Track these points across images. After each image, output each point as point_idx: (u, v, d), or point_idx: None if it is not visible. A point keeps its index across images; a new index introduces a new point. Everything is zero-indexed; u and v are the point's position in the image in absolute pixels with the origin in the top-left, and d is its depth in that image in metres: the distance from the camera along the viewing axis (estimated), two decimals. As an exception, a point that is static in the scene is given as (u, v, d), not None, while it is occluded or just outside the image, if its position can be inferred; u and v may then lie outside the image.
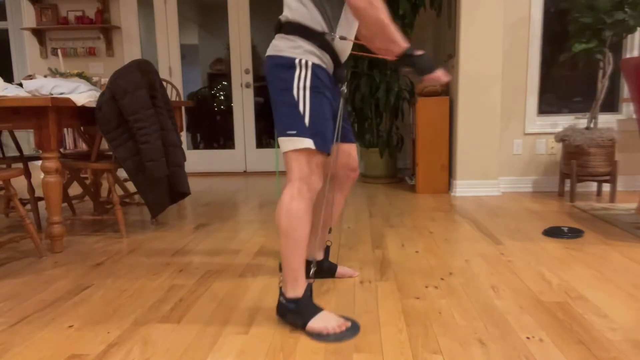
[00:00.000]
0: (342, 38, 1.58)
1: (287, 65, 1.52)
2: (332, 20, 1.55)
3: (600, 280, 1.94)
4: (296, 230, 1.51)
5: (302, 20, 1.52)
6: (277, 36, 1.57)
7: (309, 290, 1.56)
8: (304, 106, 1.51)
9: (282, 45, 1.54)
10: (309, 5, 1.52)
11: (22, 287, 2.00)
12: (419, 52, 1.53)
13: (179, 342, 1.49)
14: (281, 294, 1.58)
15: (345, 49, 1.64)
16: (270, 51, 1.57)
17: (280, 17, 1.59)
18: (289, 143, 1.52)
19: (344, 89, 1.70)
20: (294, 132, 1.50)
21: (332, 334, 1.50)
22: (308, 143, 1.50)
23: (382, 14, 1.46)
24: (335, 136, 1.71)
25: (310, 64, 1.52)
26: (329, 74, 1.59)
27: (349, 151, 1.88)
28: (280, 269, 1.59)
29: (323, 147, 1.53)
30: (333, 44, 1.57)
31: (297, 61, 1.51)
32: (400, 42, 1.51)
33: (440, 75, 1.54)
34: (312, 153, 1.52)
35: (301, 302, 1.55)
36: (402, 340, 1.47)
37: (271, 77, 1.55)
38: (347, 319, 1.58)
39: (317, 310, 1.55)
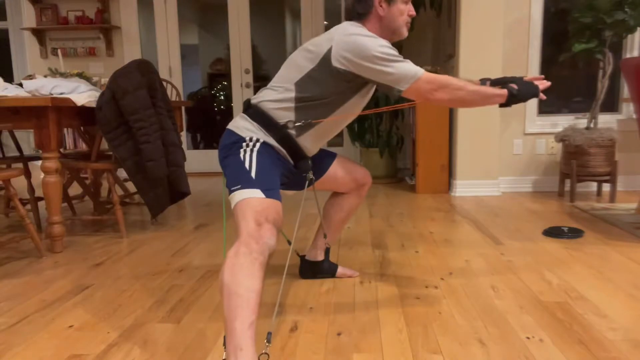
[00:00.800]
0: (309, 125, 1.58)
1: (240, 140, 1.54)
2: (322, 113, 1.57)
3: (600, 280, 1.94)
4: (240, 285, 1.19)
5: (269, 112, 1.55)
6: (242, 115, 1.61)
7: None
8: (250, 163, 1.48)
9: (241, 125, 1.57)
10: (288, 104, 1.54)
11: (22, 287, 2.00)
12: (515, 86, 1.55)
13: (179, 342, 1.49)
14: None
15: (312, 147, 1.66)
16: (229, 125, 1.61)
17: (251, 98, 1.62)
18: (235, 196, 1.42)
19: (311, 175, 1.70)
20: (239, 185, 1.43)
21: None
22: (254, 192, 1.40)
23: (469, 86, 1.51)
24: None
25: (261, 140, 1.54)
26: (279, 156, 1.59)
27: (346, 170, 1.86)
28: (225, 344, 1.18)
29: (272, 195, 1.42)
30: (297, 139, 1.59)
31: (247, 138, 1.54)
32: (499, 93, 1.54)
33: (545, 87, 1.59)
34: (259, 204, 1.37)
35: None
36: (402, 340, 1.47)
37: (222, 145, 1.57)
38: None
39: None
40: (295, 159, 1.63)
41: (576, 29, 3.43)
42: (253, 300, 1.19)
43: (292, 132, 1.57)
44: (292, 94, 1.54)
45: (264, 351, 1.21)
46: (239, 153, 1.51)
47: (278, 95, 1.56)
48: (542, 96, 1.59)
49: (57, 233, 2.47)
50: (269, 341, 1.24)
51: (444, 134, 3.90)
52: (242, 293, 1.18)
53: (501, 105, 1.58)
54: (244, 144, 1.53)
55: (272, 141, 1.56)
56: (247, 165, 1.47)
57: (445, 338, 1.48)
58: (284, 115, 1.55)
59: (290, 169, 1.64)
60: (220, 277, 1.23)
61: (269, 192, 1.41)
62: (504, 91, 1.54)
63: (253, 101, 1.59)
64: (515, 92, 1.54)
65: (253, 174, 1.45)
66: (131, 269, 2.21)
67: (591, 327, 1.53)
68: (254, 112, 1.57)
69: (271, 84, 1.61)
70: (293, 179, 1.69)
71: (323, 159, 1.83)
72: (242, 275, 1.21)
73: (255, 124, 1.56)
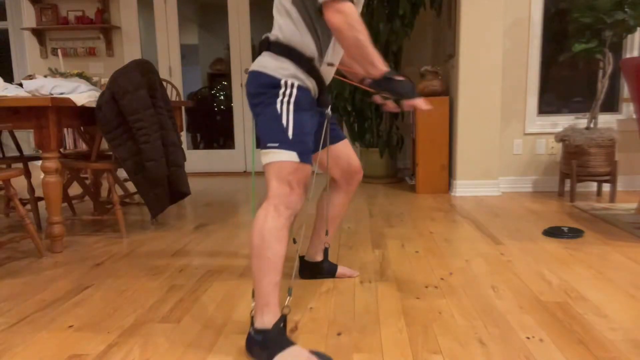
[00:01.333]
0: (330, 64, 1.57)
1: (272, 84, 1.47)
2: (322, 45, 1.53)
3: (600, 280, 1.94)
4: (269, 248, 1.37)
5: (292, 43, 1.49)
6: (265, 53, 1.52)
7: (281, 321, 1.38)
8: (287, 119, 1.45)
9: (269, 64, 1.49)
10: (302, 29, 1.49)
11: (22, 287, 2.00)
12: (399, 77, 1.45)
13: (179, 342, 1.49)
14: (252, 324, 1.41)
15: (329, 75, 1.63)
16: (255, 66, 1.50)
17: (269, 34, 1.54)
18: (270, 155, 1.44)
19: (329, 112, 1.66)
20: (276, 144, 1.43)
21: None
22: (290, 156, 1.42)
23: (362, 35, 1.40)
24: (319, 144, 1.69)
25: (296, 84, 1.48)
26: (312, 97, 1.55)
27: (346, 153, 1.85)
28: (253, 296, 1.41)
29: (306, 159, 1.45)
30: (320, 69, 1.55)
31: (282, 82, 1.47)
32: (379, 65, 1.43)
33: (419, 102, 1.44)
34: (293, 167, 1.43)
35: (269, 335, 1.37)
36: (402, 340, 1.47)
37: (254, 91, 1.49)
38: (319, 355, 1.37)
39: (286, 344, 1.36)
40: (319, 91, 1.59)
41: (576, 29, 3.43)
42: (279, 264, 1.39)
43: (316, 64, 1.53)
44: (296, 14, 1.49)
45: (286, 304, 1.42)
46: (276, 103, 1.46)
47: (288, 23, 1.50)
48: (409, 103, 1.45)
49: (57, 233, 2.47)
50: (290, 294, 1.46)
51: (444, 134, 3.90)
52: (270, 256, 1.38)
53: (369, 86, 1.48)
54: (281, 92, 1.46)
55: (303, 76, 1.50)
56: (284, 121, 1.45)
57: (445, 338, 1.48)
58: (302, 40, 1.50)
59: (316, 111, 1.60)
60: (250, 239, 1.41)
61: (304, 156, 1.45)
62: (384, 69, 1.43)
63: (272, 38, 1.53)
64: (393, 77, 1.43)
65: (290, 134, 1.44)
66: (131, 269, 2.21)
67: (591, 327, 1.53)
68: (280, 48, 1.50)
69: (275, 14, 1.56)
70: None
71: (335, 131, 1.82)
72: (271, 239, 1.38)
73: (284, 59, 1.49)
